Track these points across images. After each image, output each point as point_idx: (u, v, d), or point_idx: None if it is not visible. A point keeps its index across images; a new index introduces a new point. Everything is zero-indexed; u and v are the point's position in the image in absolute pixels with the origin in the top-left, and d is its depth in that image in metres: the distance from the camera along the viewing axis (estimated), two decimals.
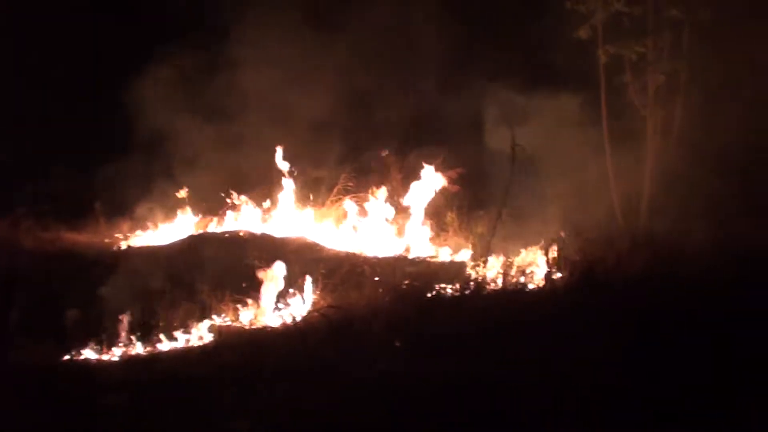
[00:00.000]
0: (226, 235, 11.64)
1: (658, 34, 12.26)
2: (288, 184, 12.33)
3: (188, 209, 12.43)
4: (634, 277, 9.80)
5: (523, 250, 11.31)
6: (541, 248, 10.93)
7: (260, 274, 9.90)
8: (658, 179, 12.53)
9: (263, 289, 9.81)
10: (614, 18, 12.25)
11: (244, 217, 12.32)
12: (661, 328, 7.99)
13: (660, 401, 6.71)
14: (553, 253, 10.60)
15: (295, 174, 12.41)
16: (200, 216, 12.47)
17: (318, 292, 9.95)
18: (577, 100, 12.61)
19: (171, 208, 12.52)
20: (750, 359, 7.28)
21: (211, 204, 12.60)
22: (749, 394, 6.71)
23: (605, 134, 12.63)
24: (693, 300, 8.66)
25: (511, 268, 10.76)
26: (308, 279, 10.00)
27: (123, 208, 12.67)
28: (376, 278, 10.26)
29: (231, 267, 10.38)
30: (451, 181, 11.97)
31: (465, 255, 11.60)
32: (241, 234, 11.56)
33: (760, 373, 7.05)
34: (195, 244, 11.32)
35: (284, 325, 9.47)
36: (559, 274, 10.31)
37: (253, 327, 9.54)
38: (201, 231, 12.11)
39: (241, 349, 8.58)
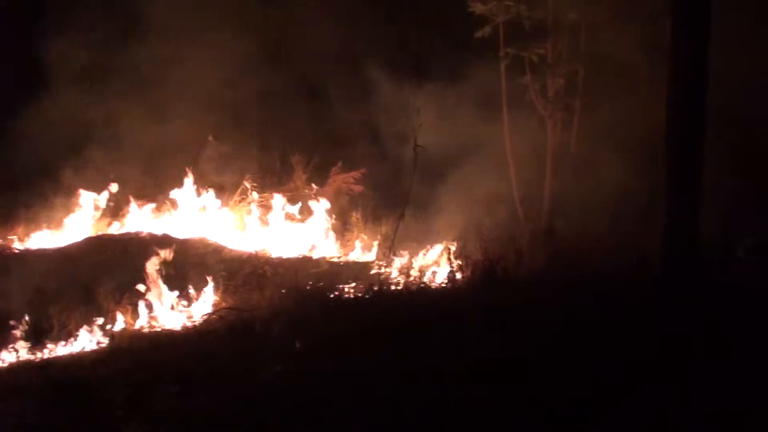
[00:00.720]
0: (126, 236, 11.39)
1: (557, 36, 12.49)
2: (190, 184, 12.13)
3: (87, 208, 12.08)
4: (533, 276, 9.97)
5: (426, 249, 11.39)
6: (443, 248, 11.02)
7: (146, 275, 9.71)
8: (560, 178, 12.76)
9: (154, 291, 9.63)
10: (515, 21, 12.43)
11: (144, 218, 12.07)
12: (559, 325, 8.11)
13: (564, 399, 6.79)
14: (456, 252, 10.70)
15: (199, 173, 12.26)
16: (99, 216, 12.14)
17: (219, 294, 9.82)
18: (481, 100, 12.76)
19: (69, 208, 12.17)
20: (650, 354, 7.44)
21: (111, 203, 12.30)
22: (655, 390, 6.86)
23: (506, 134, 12.80)
24: (589, 297, 8.83)
25: (414, 267, 10.83)
26: (209, 280, 9.86)
27: (17, 208, 12.27)
28: (278, 279, 10.18)
29: (130, 269, 10.12)
30: (354, 181, 12.00)
31: (369, 255, 11.65)
32: (141, 235, 11.32)
33: (664, 368, 7.20)
34: (93, 245, 11.04)
35: (183, 327, 9.31)
36: (460, 274, 10.40)
37: (152, 330, 9.36)
38: (100, 232, 11.81)
39: (138, 352, 8.38)
